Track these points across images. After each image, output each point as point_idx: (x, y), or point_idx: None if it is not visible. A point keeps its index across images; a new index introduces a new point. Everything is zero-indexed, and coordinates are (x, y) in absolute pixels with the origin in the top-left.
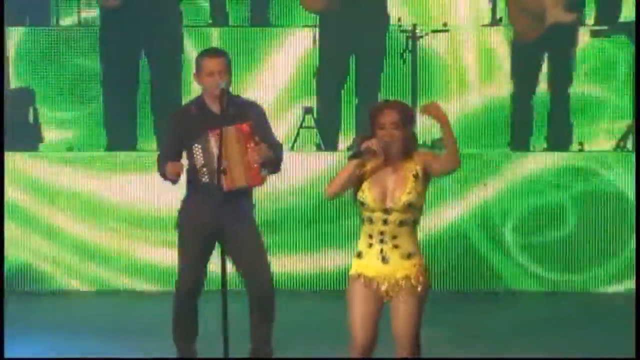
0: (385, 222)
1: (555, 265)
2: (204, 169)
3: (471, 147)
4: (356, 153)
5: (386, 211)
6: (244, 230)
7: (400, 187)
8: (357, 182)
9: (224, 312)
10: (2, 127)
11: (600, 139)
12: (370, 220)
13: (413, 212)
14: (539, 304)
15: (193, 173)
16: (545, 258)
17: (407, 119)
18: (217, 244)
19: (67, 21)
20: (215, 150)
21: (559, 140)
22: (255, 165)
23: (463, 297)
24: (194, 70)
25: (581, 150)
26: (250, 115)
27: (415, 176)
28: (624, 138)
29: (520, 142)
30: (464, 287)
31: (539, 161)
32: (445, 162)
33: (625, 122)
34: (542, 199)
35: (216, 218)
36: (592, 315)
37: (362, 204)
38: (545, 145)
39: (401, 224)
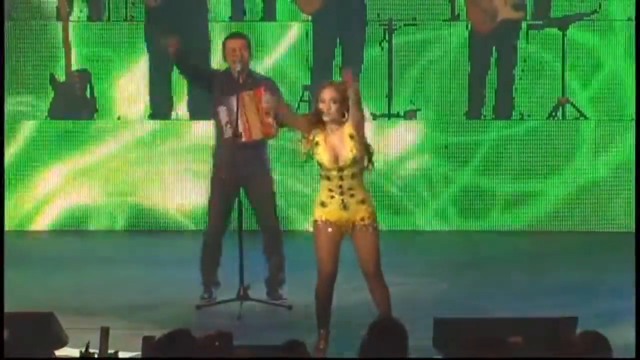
0: (341, 177)
1: None
2: (227, 125)
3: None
4: (307, 114)
5: (340, 169)
6: (261, 182)
7: (344, 148)
8: (303, 129)
9: (240, 247)
10: (3, 127)
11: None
12: (329, 178)
13: (359, 164)
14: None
15: (219, 129)
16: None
17: (341, 95)
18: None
19: (118, 17)
20: (235, 110)
21: (504, 110)
22: (269, 120)
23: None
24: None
25: (521, 118)
26: (264, 87)
27: (351, 136)
28: (555, 109)
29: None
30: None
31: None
32: (354, 122)
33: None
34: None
35: (238, 170)
36: None
37: (320, 165)
38: (492, 115)
39: (353, 176)
